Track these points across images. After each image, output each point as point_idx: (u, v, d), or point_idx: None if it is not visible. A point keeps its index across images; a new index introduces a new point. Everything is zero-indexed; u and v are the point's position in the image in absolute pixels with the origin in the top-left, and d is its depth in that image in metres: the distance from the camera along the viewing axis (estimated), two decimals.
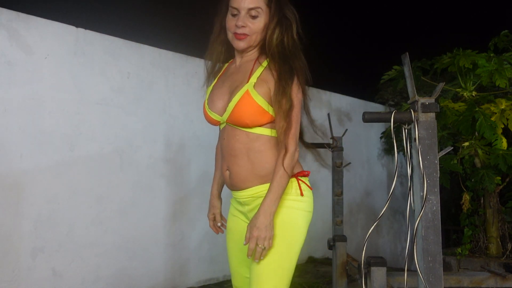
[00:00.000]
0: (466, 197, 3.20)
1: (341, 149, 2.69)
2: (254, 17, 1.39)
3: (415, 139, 1.12)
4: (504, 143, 2.86)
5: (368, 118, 1.18)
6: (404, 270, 1.13)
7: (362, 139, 5.05)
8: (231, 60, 1.55)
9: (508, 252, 3.10)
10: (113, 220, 2.88)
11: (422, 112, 1.11)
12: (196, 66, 3.46)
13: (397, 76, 3.41)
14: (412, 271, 1.21)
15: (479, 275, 2.38)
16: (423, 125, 1.11)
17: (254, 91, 1.35)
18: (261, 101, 1.35)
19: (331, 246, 2.58)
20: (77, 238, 2.71)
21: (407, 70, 1.19)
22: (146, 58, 3.17)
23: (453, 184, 3.33)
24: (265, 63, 1.42)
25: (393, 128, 1.15)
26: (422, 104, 1.12)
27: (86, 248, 2.75)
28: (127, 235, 2.93)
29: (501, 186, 3.21)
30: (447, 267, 3.07)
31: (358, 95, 5.00)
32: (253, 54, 1.47)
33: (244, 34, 1.40)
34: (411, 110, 1.14)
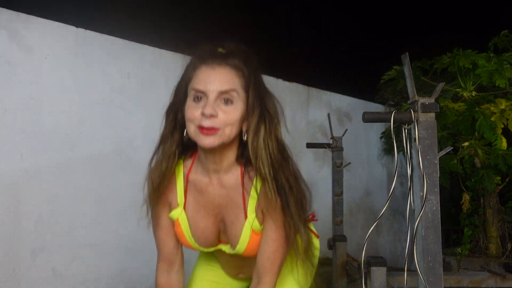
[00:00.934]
0: (466, 197, 3.21)
1: (341, 149, 2.69)
2: (227, 103, 1.04)
3: (415, 139, 1.12)
4: (504, 143, 2.86)
5: (368, 118, 1.18)
6: (404, 270, 1.13)
7: (362, 139, 5.05)
8: (189, 158, 1.15)
9: (508, 252, 3.10)
10: (113, 220, 2.88)
11: (422, 112, 1.12)
12: None
13: (397, 76, 3.41)
14: (412, 271, 1.21)
15: (479, 275, 2.39)
16: (423, 125, 1.11)
17: (258, 225, 1.11)
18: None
19: (331, 246, 2.58)
20: (77, 238, 2.71)
21: (407, 70, 1.19)
22: (146, 58, 3.17)
23: (453, 184, 3.33)
24: (253, 190, 1.09)
25: (393, 128, 1.15)
26: (422, 104, 1.12)
27: (86, 248, 2.75)
28: (127, 235, 2.93)
29: (501, 186, 3.21)
30: (447, 267, 3.07)
31: (358, 95, 5.00)
32: (231, 164, 1.11)
33: (213, 128, 1.02)
34: (411, 110, 1.14)
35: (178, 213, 1.18)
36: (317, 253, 1.29)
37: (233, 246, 1.16)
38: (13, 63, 2.51)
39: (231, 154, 1.11)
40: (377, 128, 5.09)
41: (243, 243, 1.12)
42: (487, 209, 3.19)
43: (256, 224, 1.11)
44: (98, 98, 2.88)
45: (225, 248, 1.20)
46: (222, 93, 1.03)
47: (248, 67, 1.08)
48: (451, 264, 3.08)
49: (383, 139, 5.18)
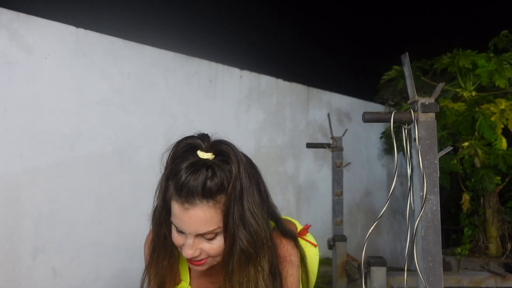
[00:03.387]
0: (466, 197, 3.21)
1: (341, 149, 2.68)
2: (210, 239, 0.96)
3: (415, 139, 1.12)
4: (504, 143, 2.86)
5: (368, 118, 1.18)
6: (404, 270, 1.13)
7: (362, 139, 5.05)
8: None
9: (508, 252, 3.10)
10: (113, 220, 2.88)
11: (422, 112, 1.12)
12: (196, 66, 3.46)
13: (397, 76, 3.41)
14: (412, 271, 1.21)
15: (479, 275, 2.39)
16: (423, 125, 1.11)
17: None
18: None
19: (331, 246, 2.58)
20: (77, 238, 2.71)
21: (407, 70, 1.19)
22: (146, 58, 3.17)
23: (453, 184, 3.34)
24: None
25: (393, 128, 1.15)
26: (422, 104, 1.12)
27: (86, 248, 2.75)
28: (127, 235, 2.93)
29: (500, 186, 3.21)
30: (447, 267, 3.07)
31: (358, 95, 5.00)
32: None
33: (200, 260, 0.98)
34: (411, 110, 1.14)
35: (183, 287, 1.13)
36: (316, 259, 1.27)
37: None
38: (13, 63, 2.51)
39: None
40: (377, 128, 5.09)
41: None
42: (487, 209, 3.19)
43: None
44: (98, 98, 2.88)
45: None
46: (200, 234, 0.94)
47: (229, 181, 0.94)
48: (451, 264, 3.08)
49: (383, 139, 5.18)
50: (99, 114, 2.87)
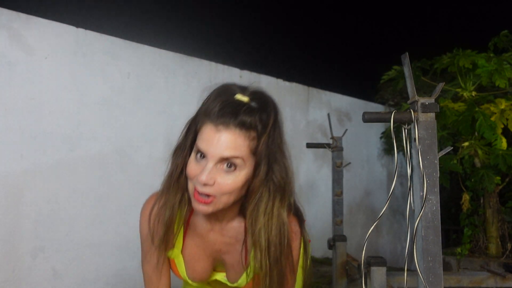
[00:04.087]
0: (466, 197, 3.21)
1: (341, 149, 2.68)
2: (229, 168, 0.93)
3: (415, 139, 1.12)
4: (504, 143, 2.86)
5: (368, 118, 1.18)
6: (404, 270, 1.13)
7: (362, 139, 5.05)
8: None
9: (508, 252, 3.10)
10: (113, 220, 2.88)
11: (422, 112, 1.12)
12: (196, 66, 3.46)
13: (397, 76, 3.41)
14: (412, 271, 1.21)
15: (479, 275, 2.38)
16: (423, 125, 1.11)
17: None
18: None
19: (331, 246, 2.58)
20: (77, 238, 2.71)
21: (407, 70, 1.19)
22: (146, 58, 3.17)
23: (453, 184, 3.34)
24: None
25: (393, 128, 1.15)
26: (422, 104, 1.12)
27: (86, 248, 2.75)
28: (127, 235, 2.93)
29: (501, 186, 3.21)
30: (447, 267, 3.07)
31: (358, 95, 5.00)
32: (234, 216, 1.05)
33: (208, 196, 0.93)
34: (411, 110, 1.14)
35: (174, 255, 1.11)
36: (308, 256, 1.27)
37: (232, 281, 1.11)
38: (13, 63, 2.51)
39: (233, 208, 1.04)
40: (377, 128, 5.09)
41: (243, 283, 1.08)
42: (487, 209, 3.19)
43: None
44: (98, 98, 2.88)
45: (220, 277, 1.14)
46: (223, 159, 0.92)
47: (263, 126, 0.95)
48: (451, 264, 3.08)
49: (383, 139, 5.19)
50: (99, 114, 2.87)
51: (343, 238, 2.53)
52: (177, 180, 1.00)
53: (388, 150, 5.30)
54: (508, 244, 3.14)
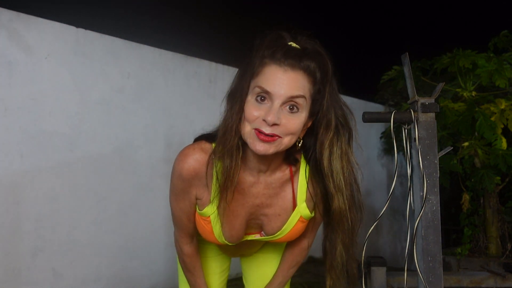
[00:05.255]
0: (466, 197, 3.20)
1: None
2: (293, 110, 0.94)
3: (415, 139, 1.12)
4: (504, 143, 2.86)
5: (368, 118, 1.18)
6: (404, 270, 1.13)
7: (362, 139, 5.04)
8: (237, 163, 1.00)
9: (508, 252, 3.10)
10: (113, 220, 2.88)
11: (422, 112, 1.12)
12: (196, 66, 3.46)
13: (397, 76, 3.41)
14: (412, 271, 1.21)
15: (479, 275, 2.38)
16: (423, 125, 1.11)
17: (307, 213, 1.11)
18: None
19: None
20: (77, 238, 2.71)
21: (407, 70, 1.19)
22: (146, 58, 3.17)
23: (453, 184, 3.33)
24: (302, 178, 1.08)
25: (393, 128, 1.15)
26: (422, 104, 1.12)
27: (86, 248, 2.75)
28: (127, 235, 2.93)
29: (501, 186, 3.21)
30: (447, 267, 3.07)
31: (358, 95, 5.00)
32: (279, 164, 1.07)
33: (274, 136, 0.93)
34: (411, 110, 1.14)
35: (211, 212, 1.08)
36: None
37: (269, 234, 1.14)
38: (13, 63, 2.51)
39: (280, 156, 1.05)
40: (377, 128, 5.09)
41: (285, 231, 1.11)
42: (487, 209, 3.19)
43: (306, 212, 1.10)
44: (98, 98, 2.88)
45: (251, 238, 1.17)
46: (290, 98, 0.93)
47: (322, 72, 0.98)
48: (451, 264, 3.07)
49: (383, 139, 5.18)
50: (99, 114, 2.87)
51: None
52: (233, 125, 0.98)
53: (388, 150, 5.30)
54: (508, 244, 3.14)
